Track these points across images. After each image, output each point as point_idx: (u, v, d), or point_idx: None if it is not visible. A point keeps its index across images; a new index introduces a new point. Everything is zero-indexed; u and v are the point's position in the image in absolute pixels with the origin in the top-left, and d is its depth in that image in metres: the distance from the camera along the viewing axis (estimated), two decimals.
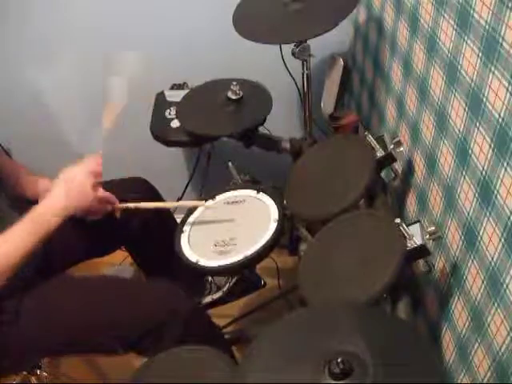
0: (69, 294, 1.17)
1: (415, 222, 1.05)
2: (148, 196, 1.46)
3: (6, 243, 1.06)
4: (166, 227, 1.47)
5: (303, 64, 1.45)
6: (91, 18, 1.71)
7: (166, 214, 1.59)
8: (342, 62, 1.64)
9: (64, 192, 1.15)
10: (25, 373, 1.44)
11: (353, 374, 0.72)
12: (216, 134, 1.55)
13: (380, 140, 1.27)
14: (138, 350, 1.19)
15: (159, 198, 1.55)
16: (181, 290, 1.27)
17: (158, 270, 1.52)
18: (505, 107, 0.84)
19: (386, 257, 0.98)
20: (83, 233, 1.32)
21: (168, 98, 1.72)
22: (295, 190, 1.35)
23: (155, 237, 1.49)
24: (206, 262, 1.22)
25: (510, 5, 0.80)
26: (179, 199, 1.97)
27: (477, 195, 0.97)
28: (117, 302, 1.16)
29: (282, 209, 1.30)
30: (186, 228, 1.33)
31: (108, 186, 1.33)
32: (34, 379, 1.45)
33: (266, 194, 1.36)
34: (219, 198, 1.41)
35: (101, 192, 1.23)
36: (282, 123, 1.76)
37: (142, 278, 1.66)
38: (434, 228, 1.03)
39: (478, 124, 0.94)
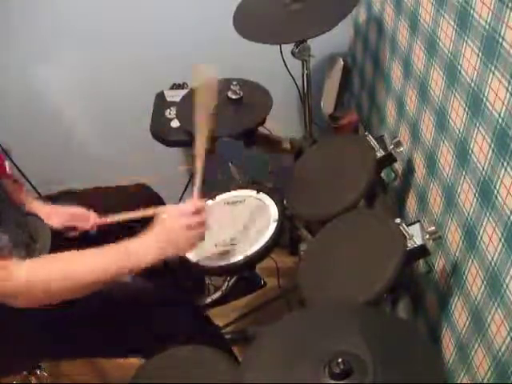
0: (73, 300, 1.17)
1: (415, 222, 1.05)
2: (151, 203, 1.46)
3: (86, 260, 0.99)
4: None
5: (303, 64, 1.45)
6: (91, 17, 1.71)
7: None
8: (342, 62, 1.64)
9: (165, 242, 1.04)
10: (25, 373, 1.44)
11: (353, 374, 0.72)
12: (216, 134, 1.54)
13: (380, 140, 1.27)
14: (140, 356, 1.19)
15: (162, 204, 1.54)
16: (183, 297, 1.26)
17: (159, 274, 1.52)
18: (505, 107, 0.84)
19: (386, 257, 0.98)
20: (87, 238, 1.32)
21: (168, 98, 1.72)
22: (295, 190, 1.35)
23: None
24: (206, 261, 1.22)
25: (510, 5, 0.80)
26: (179, 199, 1.97)
27: (477, 195, 0.97)
28: (120, 310, 1.16)
29: (282, 209, 1.30)
30: None
31: (110, 193, 1.33)
32: (33, 379, 1.46)
33: (265, 194, 1.36)
34: (219, 198, 1.41)
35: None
36: (282, 123, 1.76)
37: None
38: (433, 228, 1.03)
39: (477, 124, 0.94)
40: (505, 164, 0.85)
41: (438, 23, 1.08)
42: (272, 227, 1.25)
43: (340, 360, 0.72)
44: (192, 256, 1.24)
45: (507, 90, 0.82)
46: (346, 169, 1.27)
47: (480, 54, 0.91)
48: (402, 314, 1.13)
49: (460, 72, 1.00)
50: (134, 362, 1.19)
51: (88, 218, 1.27)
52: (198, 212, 1.06)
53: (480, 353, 1.00)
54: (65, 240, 1.23)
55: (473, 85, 0.95)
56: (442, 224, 1.14)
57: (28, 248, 1.10)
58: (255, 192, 1.38)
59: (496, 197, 0.89)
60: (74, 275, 0.96)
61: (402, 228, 1.02)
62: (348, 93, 1.89)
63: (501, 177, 0.87)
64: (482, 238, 0.96)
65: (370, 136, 1.28)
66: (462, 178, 1.02)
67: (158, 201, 1.52)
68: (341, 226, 1.15)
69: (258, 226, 1.26)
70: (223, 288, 1.66)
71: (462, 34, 0.97)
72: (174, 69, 1.79)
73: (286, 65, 1.64)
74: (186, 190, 1.99)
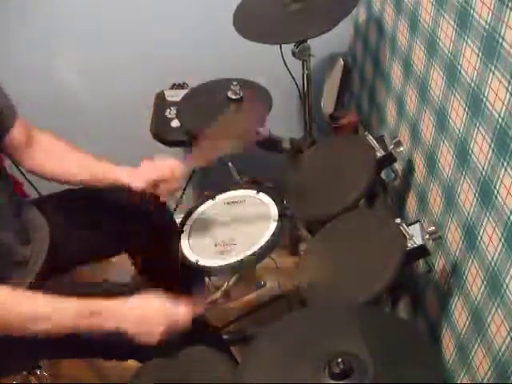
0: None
1: (415, 222, 1.05)
2: (151, 203, 1.46)
3: (53, 310, 1.01)
4: (167, 230, 1.47)
5: (303, 64, 1.45)
6: (91, 17, 1.71)
7: (168, 217, 1.58)
8: (342, 62, 1.64)
9: (138, 322, 1.04)
10: (25, 373, 1.44)
11: (353, 374, 0.72)
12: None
13: (380, 140, 1.27)
14: (138, 359, 1.18)
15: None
16: (180, 299, 1.26)
17: (159, 274, 1.52)
18: (505, 107, 0.84)
19: (386, 257, 0.98)
20: (87, 238, 1.32)
21: (168, 98, 1.72)
22: (295, 190, 1.35)
23: (157, 241, 1.48)
24: (206, 261, 1.22)
25: (510, 5, 0.80)
26: (180, 199, 1.97)
27: (477, 195, 0.97)
28: None
29: (281, 209, 1.30)
30: (186, 228, 1.33)
31: (111, 192, 1.33)
32: (33, 379, 1.45)
33: (265, 193, 1.36)
34: (219, 197, 1.41)
35: None
36: (282, 123, 1.76)
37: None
38: (433, 228, 1.03)
39: (477, 124, 0.94)
40: (505, 164, 0.85)
41: (438, 23, 1.08)
42: (272, 227, 1.25)
43: (340, 360, 0.72)
44: (192, 256, 1.24)
45: (507, 89, 0.82)
46: (346, 169, 1.27)
47: (480, 54, 0.91)
48: (402, 314, 1.14)
49: (460, 72, 1.00)
50: (134, 362, 1.19)
51: (173, 180, 1.23)
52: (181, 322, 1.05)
53: (480, 353, 1.00)
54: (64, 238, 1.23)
55: (473, 85, 0.95)
56: (442, 224, 1.14)
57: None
58: (255, 192, 1.38)
59: (496, 197, 0.89)
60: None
61: (402, 228, 1.02)
62: (348, 93, 1.89)
63: (501, 177, 0.87)
64: (482, 238, 0.96)
65: (370, 136, 1.28)
66: (462, 178, 1.02)
67: (157, 200, 1.53)
68: (341, 226, 1.15)
69: (258, 226, 1.26)
70: (223, 288, 1.66)
71: (462, 33, 0.97)
72: (174, 69, 1.79)
73: (286, 65, 1.64)
74: (185, 189, 1.99)
